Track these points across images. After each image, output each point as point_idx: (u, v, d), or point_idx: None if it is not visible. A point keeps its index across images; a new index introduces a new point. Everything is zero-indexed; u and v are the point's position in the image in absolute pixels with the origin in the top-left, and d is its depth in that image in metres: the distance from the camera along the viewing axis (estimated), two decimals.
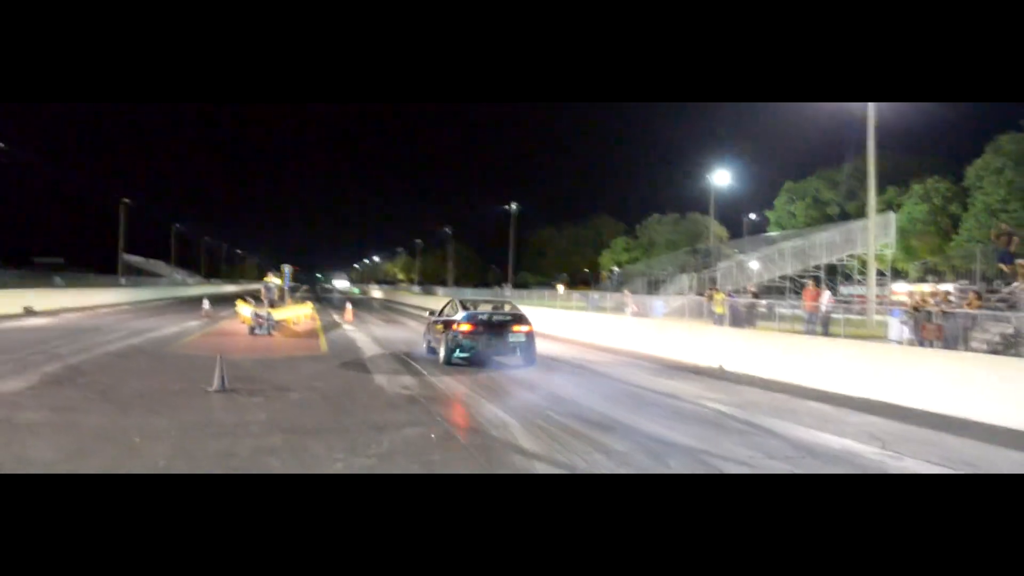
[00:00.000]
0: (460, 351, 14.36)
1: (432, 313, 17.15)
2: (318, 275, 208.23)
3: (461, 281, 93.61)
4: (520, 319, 15.04)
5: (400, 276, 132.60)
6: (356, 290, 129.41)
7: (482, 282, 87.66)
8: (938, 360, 11.33)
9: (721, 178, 44.21)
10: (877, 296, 27.02)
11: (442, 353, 14.69)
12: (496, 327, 14.64)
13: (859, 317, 22.85)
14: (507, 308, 16.30)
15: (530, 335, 14.89)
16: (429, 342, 16.70)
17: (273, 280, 25.16)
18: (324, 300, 61.36)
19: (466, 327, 14.37)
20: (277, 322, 20.72)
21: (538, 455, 6.97)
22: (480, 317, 14.83)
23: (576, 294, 42.82)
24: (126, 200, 69.00)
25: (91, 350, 14.64)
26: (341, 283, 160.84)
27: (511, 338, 14.58)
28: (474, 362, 14.46)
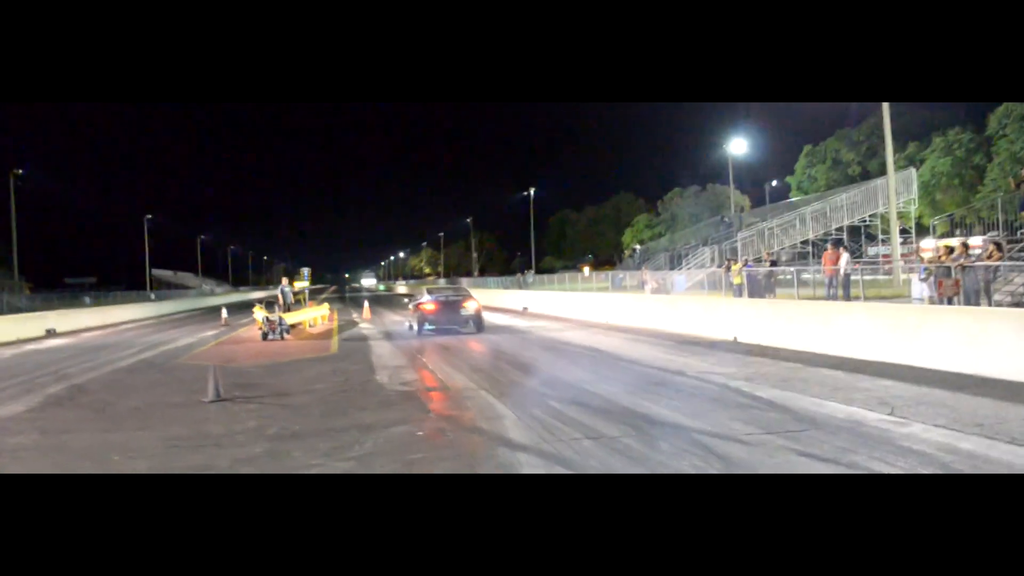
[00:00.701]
0: (427, 324, 19.19)
1: (409, 299, 22.12)
2: (347, 275, 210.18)
3: (487, 270, 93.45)
4: (468, 298, 20.01)
5: (426, 270, 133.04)
6: (381, 287, 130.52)
7: (507, 270, 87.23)
8: (954, 317, 10.84)
9: (738, 147, 43.44)
10: (903, 255, 26.33)
11: (415, 327, 19.56)
12: (451, 305, 19.45)
13: (886, 277, 22.29)
14: (462, 292, 21.91)
15: (478, 311, 19.70)
16: (408, 321, 21.67)
17: (293, 284, 25.14)
18: (350, 299, 61.64)
19: (430, 306, 19.21)
20: (291, 326, 20.67)
21: (526, 447, 6.70)
22: (439, 299, 19.81)
23: (601, 275, 42.44)
24: (149, 216, 70.08)
25: (100, 368, 14.65)
26: (368, 281, 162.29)
27: (463, 312, 19.33)
28: (438, 331, 19.18)
